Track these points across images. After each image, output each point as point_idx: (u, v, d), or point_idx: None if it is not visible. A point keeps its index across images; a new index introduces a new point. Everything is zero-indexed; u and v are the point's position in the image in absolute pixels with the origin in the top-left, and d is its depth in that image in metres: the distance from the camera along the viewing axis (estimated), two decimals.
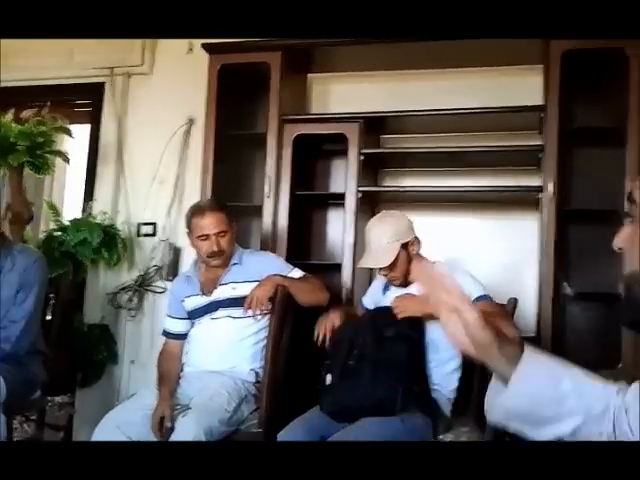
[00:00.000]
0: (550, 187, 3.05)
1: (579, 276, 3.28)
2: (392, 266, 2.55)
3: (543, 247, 3.07)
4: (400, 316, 2.42)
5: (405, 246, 2.56)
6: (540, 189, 3.10)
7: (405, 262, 2.56)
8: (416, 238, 2.60)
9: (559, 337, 3.14)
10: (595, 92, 3.30)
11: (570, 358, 3.23)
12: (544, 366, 1.03)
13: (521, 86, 3.44)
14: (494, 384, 1.08)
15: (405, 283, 2.62)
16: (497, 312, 2.44)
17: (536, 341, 3.01)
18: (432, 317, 2.39)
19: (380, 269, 2.62)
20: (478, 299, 2.46)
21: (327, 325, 2.66)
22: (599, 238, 3.25)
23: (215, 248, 2.85)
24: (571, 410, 0.99)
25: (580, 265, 3.30)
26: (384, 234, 2.56)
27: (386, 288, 2.72)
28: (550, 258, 3.05)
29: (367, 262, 2.64)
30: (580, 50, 3.04)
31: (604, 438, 0.98)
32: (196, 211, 2.92)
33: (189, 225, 2.93)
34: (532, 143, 3.28)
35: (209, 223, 2.85)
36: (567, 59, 3.08)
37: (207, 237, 2.85)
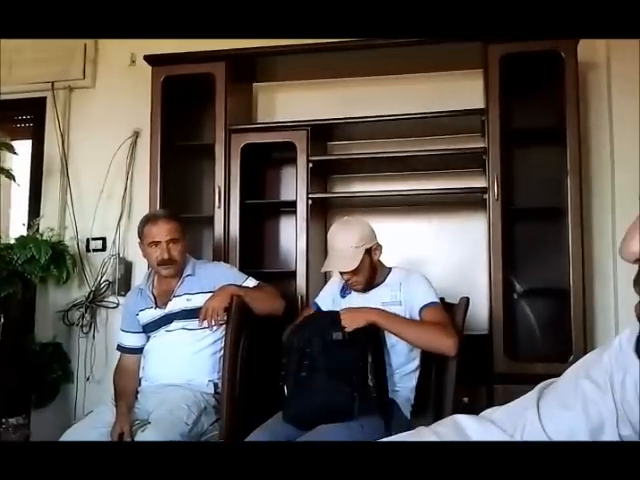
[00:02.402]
0: (494, 188, 3.13)
1: (527, 273, 3.37)
2: (356, 270, 2.55)
3: (491, 246, 3.15)
4: (347, 330, 2.40)
5: (369, 251, 2.58)
6: (485, 190, 3.18)
7: (368, 267, 2.58)
8: (378, 244, 2.63)
9: (511, 334, 3.23)
10: (534, 93, 3.41)
11: (522, 353, 3.27)
12: None
13: (463, 90, 3.52)
14: None
15: (365, 288, 2.64)
16: (440, 321, 2.46)
17: (489, 338, 3.08)
18: (377, 324, 2.43)
19: (343, 273, 2.63)
20: (426, 306, 2.51)
21: None
22: (544, 235, 3.35)
23: (166, 256, 2.83)
24: None
25: (528, 262, 3.39)
26: (350, 239, 2.55)
27: (344, 291, 2.72)
28: (498, 257, 3.12)
29: (332, 265, 2.62)
30: (517, 53, 3.15)
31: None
32: (149, 218, 2.91)
33: (141, 233, 2.90)
34: (475, 146, 3.36)
35: (161, 230, 2.83)
36: (505, 62, 3.18)
37: (157, 244, 2.83)
